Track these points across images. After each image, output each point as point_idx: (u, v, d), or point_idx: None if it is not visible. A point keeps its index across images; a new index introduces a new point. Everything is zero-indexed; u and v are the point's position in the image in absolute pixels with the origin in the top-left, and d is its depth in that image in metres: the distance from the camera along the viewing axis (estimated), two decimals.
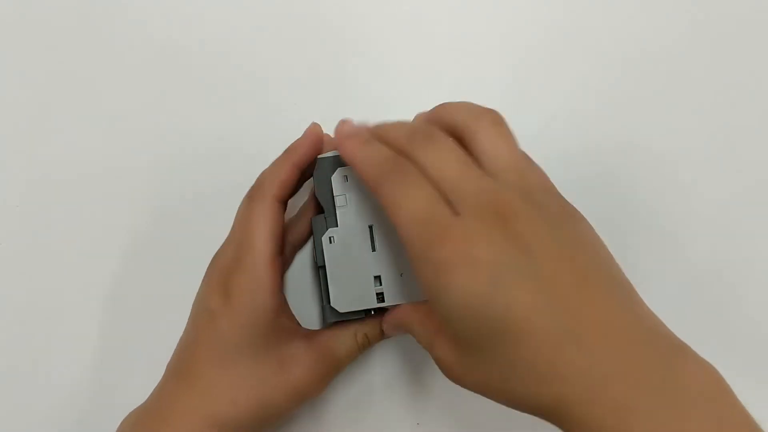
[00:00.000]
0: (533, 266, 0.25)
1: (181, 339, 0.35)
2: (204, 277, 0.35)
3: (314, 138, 0.35)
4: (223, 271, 0.33)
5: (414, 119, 0.33)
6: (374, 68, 0.43)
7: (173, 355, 0.34)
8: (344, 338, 0.35)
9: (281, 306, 0.34)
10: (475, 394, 0.37)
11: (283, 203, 0.34)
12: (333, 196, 0.34)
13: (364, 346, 0.35)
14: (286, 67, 0.43)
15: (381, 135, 0.30)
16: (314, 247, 0.34)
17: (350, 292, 0.33)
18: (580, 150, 0.41)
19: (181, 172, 0.42)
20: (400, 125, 0.31)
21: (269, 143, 0.36)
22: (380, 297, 0.33)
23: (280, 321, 0.34)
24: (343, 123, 0.32)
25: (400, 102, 0.42)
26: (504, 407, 0.40)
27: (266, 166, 0.35)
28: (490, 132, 0.29)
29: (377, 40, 0.43)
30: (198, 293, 0.35)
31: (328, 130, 0.41)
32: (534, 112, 0.42)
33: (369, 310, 0.34)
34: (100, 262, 0.41)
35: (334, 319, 0.34)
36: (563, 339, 0.24)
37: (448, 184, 0.27)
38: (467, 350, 0.27)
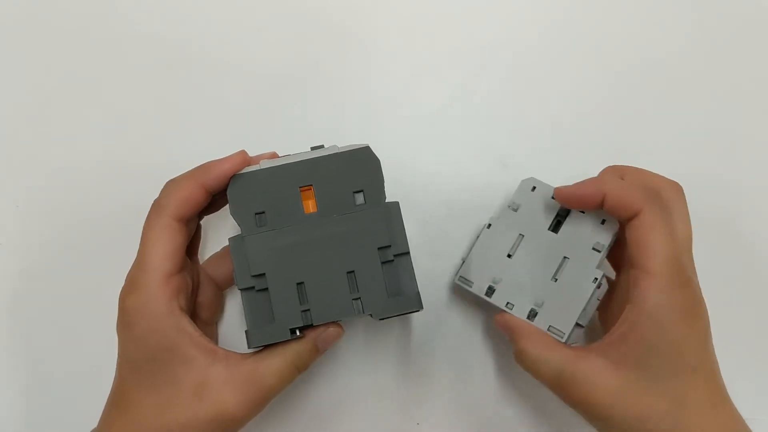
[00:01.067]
0: None
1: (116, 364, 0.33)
2: None
3: (235, 162, 0.33)
4: (122, 293, 0.32)
5: None
6: (375, 69, 0.43)
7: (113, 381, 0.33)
8: (272, 360, 0.32)
9: (181, 327, 0.31)
10: (472, 395, 0.37)
11: (184, 221, 0.33)
12: (248, 215, 0.32)
13: (299, 367, 0.33)
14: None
15: None
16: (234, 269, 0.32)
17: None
18: (582, 151, 0.42)
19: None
20: None
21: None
22: (490, 292, 0.35)
23: (190, 342, 0.31)
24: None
25: (400, 101, 0.43)
26: (502, 409, 0.40)
27: None
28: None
29: (378, 41, 0.44)
30: None
31: (337, 130, 0.41)
32: (535, 112, 0.43)
33: (295, 330, 0.32)
34: (100, 261, 0.41)
35: (257, 344, 0.32)
36: None
37: None
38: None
